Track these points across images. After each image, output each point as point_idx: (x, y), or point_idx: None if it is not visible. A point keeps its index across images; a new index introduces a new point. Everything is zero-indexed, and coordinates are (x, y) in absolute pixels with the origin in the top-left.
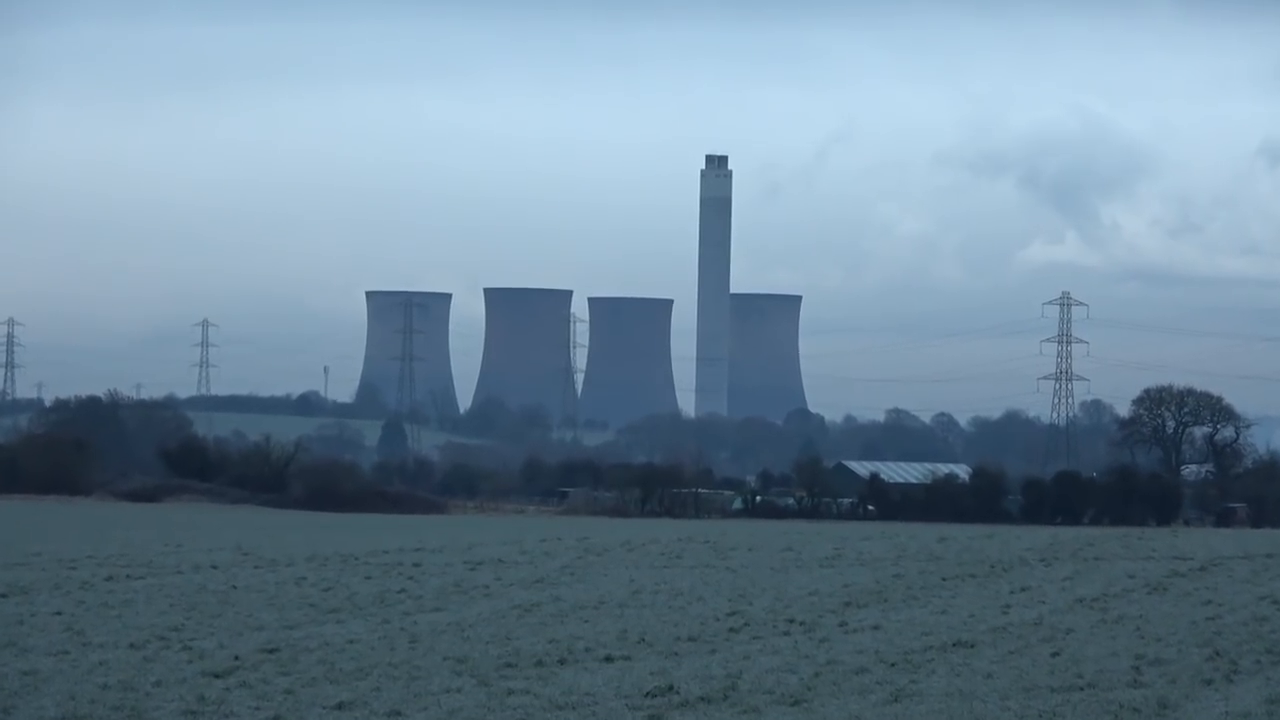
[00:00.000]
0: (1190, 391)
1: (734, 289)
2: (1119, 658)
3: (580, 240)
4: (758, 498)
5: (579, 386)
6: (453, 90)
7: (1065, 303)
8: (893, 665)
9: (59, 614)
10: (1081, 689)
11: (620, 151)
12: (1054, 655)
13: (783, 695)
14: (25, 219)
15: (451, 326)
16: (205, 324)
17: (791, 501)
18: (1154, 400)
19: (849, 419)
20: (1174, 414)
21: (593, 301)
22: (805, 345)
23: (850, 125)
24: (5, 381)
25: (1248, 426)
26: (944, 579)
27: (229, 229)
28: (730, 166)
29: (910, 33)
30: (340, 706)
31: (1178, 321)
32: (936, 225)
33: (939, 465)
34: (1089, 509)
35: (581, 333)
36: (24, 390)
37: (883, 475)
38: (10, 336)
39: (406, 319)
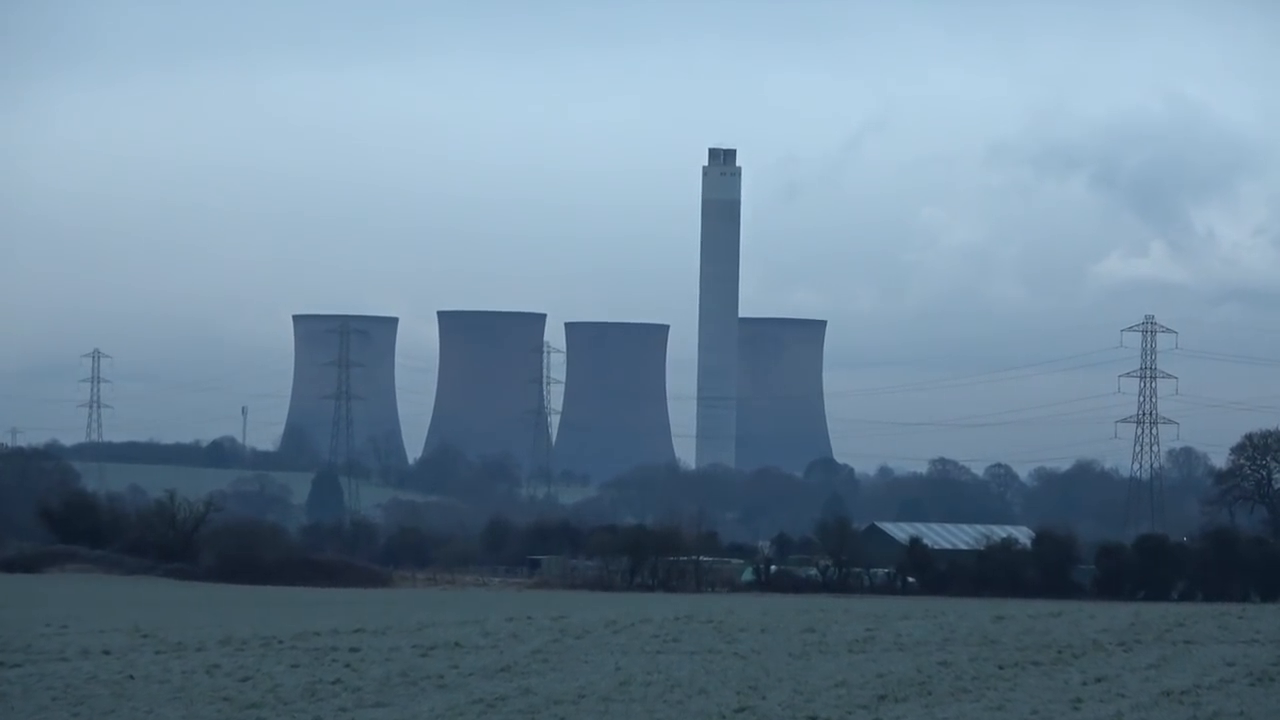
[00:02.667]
0: None
1: (743, 312)
2: None
3: (556, 253)
4: (773, 567)
5: (554, 431)
6: (398, 71)
7: (1149, 329)
8: None
9: None
10: None
11: (604, 145)
12: None
13: None
14: None
15: (398, 358)
16: (96, 355)
17: (814, 572)
18: (1257, 448)
19: (884, 471)
20: None
21: (571, 327)
22: (831, 381)
23: (887, 113)
24: None
25: None
26: (1001, 667)
27: (123, 239)
28: (739, 162)
29: (961, 3)
30: None
31: None
32: (992, 234)
33: (994, 528)
34: (1178, 581)
35: (557, 366)
36: None
37: (925, 540)
38: None
39: (342, 349)
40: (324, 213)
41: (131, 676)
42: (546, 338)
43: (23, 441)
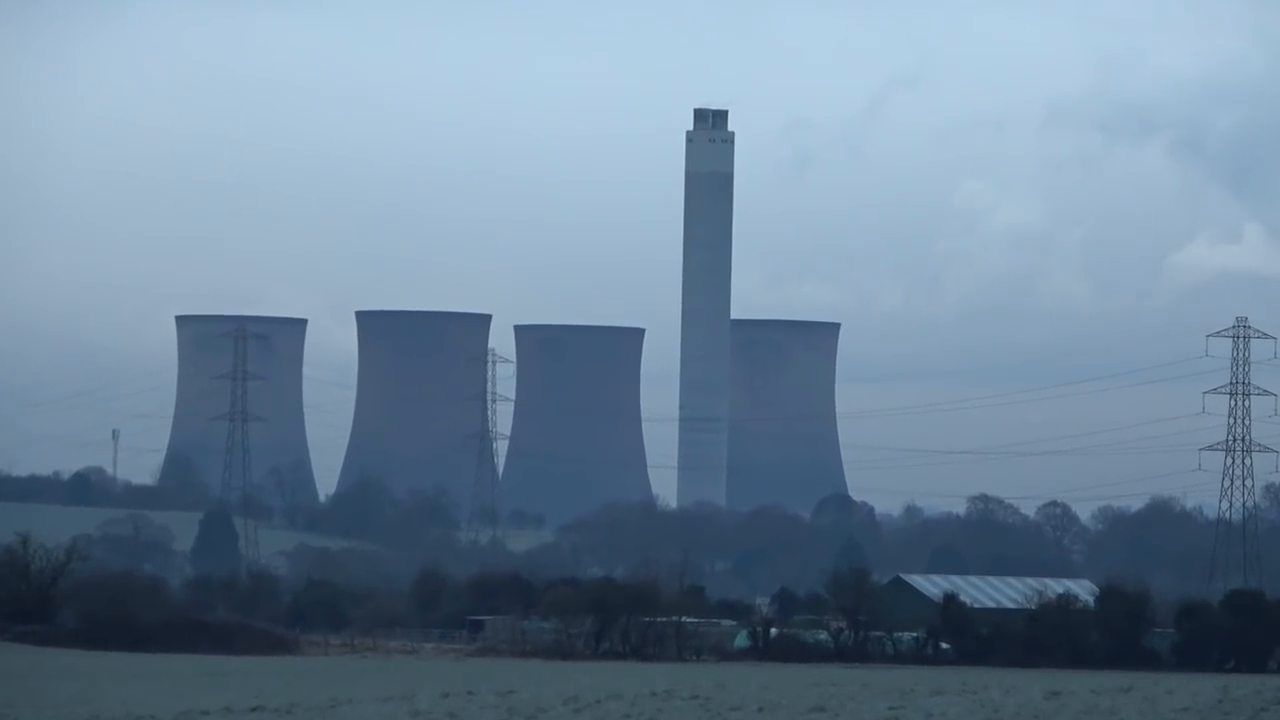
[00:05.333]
0: None
1: (736, 313)
2: None
3: (503, 240)
4: (773, 631)
5: (500, 460)
6: (311, 13)
7: (1242, 334)
8: None
9: None
10: None
11: (566, 105)
12: None
13: None
14: None
15: (307, 369)
16: None
17: (825, 636)
18: None
19: (911, 511)
20: None
21: (522, 331)
22: (845, 398)
23: (920, 66)
24: None
25: None
26: None
27: None
28: (731, 126)
29: None
30: None
31: None
32: (1049, 216)
33: (1049, 581)
34: (1277, 648)
35: (505, 379)
36: None
37: (963, 596)
38: None
39: (238, 358)
40: (215, 187)
41: None
42: (492, 344)
43: None
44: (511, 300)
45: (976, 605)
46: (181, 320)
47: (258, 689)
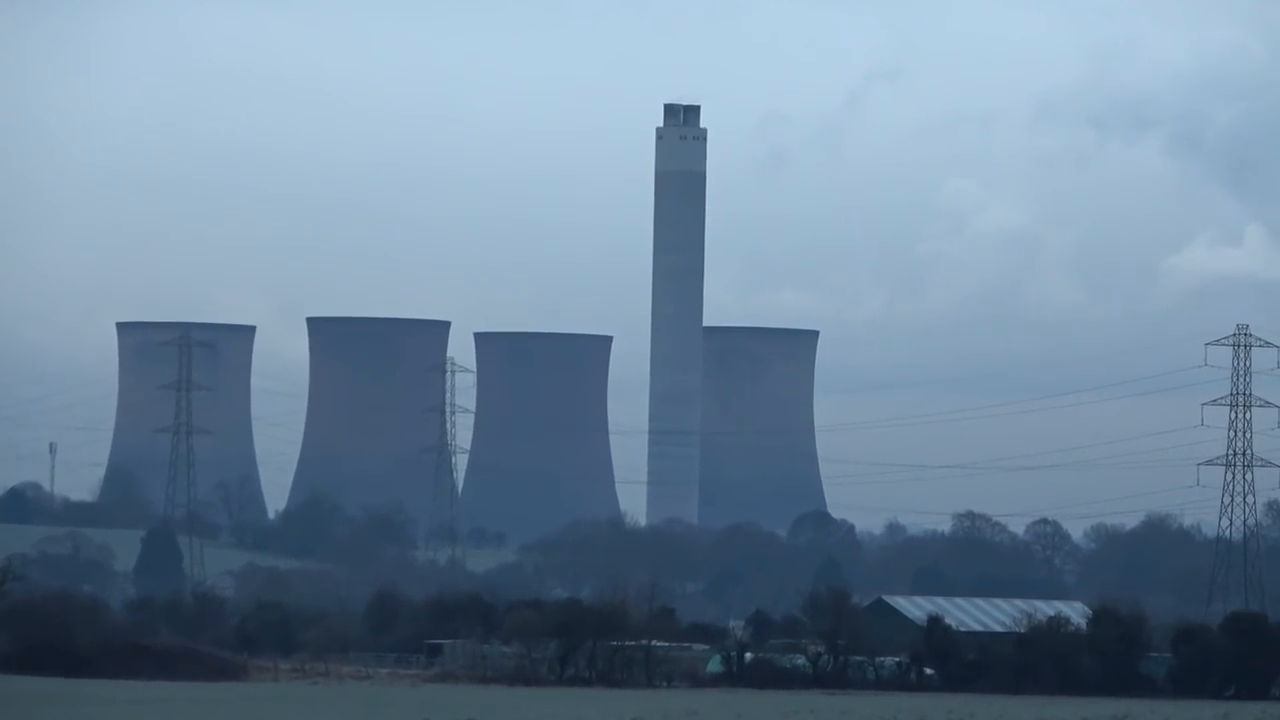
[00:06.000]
0: None
1: (709, 320)
2: None
3: (463, 242)
4: (748, 655)
5: (460, 475)
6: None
7: (1242, 342)
8: None
9: None
10: None
11: (527, 99)
12: None
13: None
14: None
15: (255, 380)
16: None
17: (803, 661)
18: None
19: (894, 529)
20: None
21: (483, 339)
22: (825, 410)
23: (902, 58)
24: None
25: None
26: None
27: None
28: (704, 122)
29: None
30: None
31: None
32: (1038, 216)
33: (1038, 603)
34: None
35: (465, 389)
36: None
37: (948, 619)
38: None
39: (182, 367)
40: (156, 184)
41: None
42: (451, 352)
43: None
44: (472, 306)
45: (963, 628)
46: (122, 327)
47: (203, 717)
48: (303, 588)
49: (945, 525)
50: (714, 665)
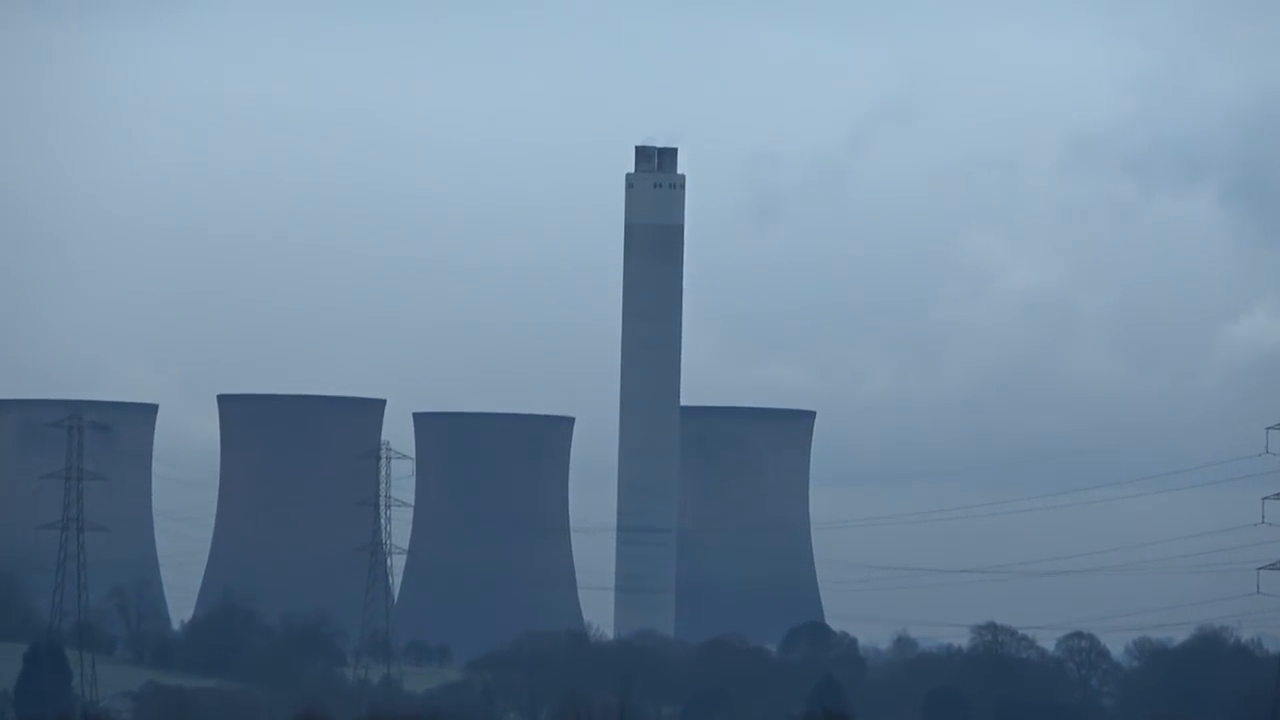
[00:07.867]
0: None
1: (688, 398)
2: None
3: (401, 310)
4: None
5: (397, 579)
6: (159, 24)
7: None
8: None
9: None
10: None
11: (478, 141)
12: None
13: None
14: None
15: (157, 467)
16: None
17: None
18: None
19: (903, 643)
20: None
21: (423, 420)
22: (822, 504)
23: (913, 91)
24: None
25: None
26: None
27: None
28: (682, 167)
29: None
30: None
31: None
32: (1071, 276)
33: None
34: None
35: (402, 479)
36: None
37: None
38: None
39: (71, 453)
40: (39, 239)
41: None
42: (386, 436)
43: None
44: (410, 381)
45: None
46: (3, 405)
47: None
48: (212, 711)
49: (963, 639)
50: None
